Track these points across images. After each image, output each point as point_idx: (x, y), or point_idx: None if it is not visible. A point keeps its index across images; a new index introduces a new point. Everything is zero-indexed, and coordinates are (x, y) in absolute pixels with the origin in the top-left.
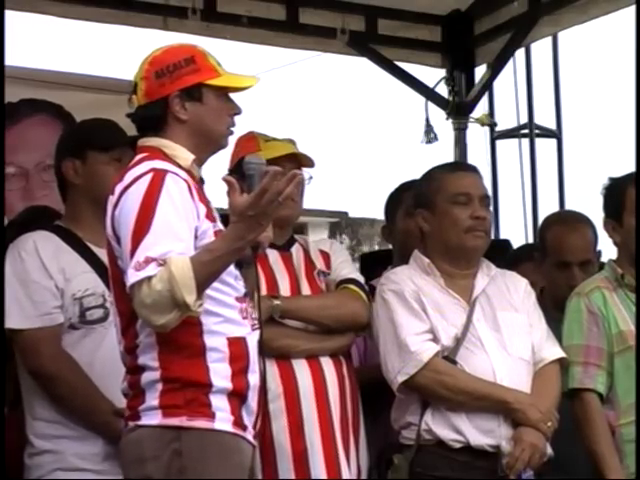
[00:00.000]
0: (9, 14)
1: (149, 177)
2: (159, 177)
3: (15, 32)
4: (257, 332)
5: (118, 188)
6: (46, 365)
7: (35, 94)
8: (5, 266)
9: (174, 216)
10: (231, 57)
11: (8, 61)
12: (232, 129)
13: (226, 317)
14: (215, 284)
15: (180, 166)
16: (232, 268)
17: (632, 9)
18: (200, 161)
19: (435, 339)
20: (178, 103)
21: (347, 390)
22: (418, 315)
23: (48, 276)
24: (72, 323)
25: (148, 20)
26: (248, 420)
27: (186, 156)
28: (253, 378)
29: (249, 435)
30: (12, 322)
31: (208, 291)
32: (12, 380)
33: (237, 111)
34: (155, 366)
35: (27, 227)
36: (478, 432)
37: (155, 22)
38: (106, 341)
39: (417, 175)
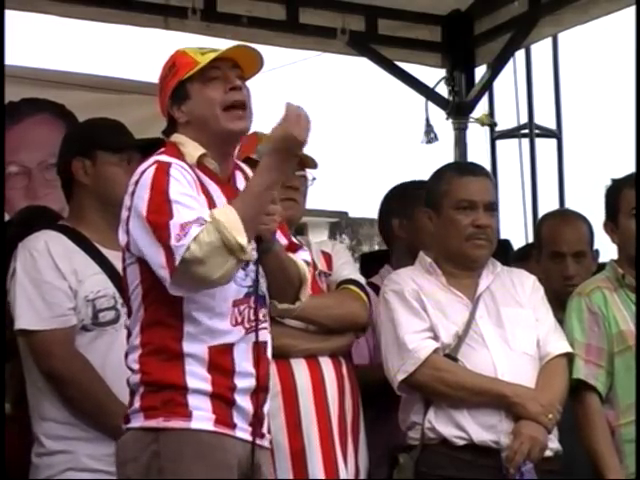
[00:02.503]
0: (10, 14)
1: (154, 167)
2: (163, 167)
3: (16, 32)
4: (253, 334)
5: (130, 184)
6: (59, 367)
7: (37, 93)
8: (16, 266)
9: (189, 200)
10: None
11: (9, 60)
12: (236, 108)
13: (208, 326)
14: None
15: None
16: None
17: (632, 9)
18: (221, 153)
19: (435, 337)
20: (176, 110)
21: (346, 390)
22: (418, 314)
23: (61, 277)
24: (84, 325)
25: (149, 20)
26: (240, 419)
27: (193, 153)
28: (243, 382)
29: (241, 433)
30: (25, 323)
31: (195, 296)
32: (16, 379)
33: (232, 84)
34: (136, 369)
35: (26, 227)
36: (480, 428)
37: (156, 22)
38: (118, 343)
39: (417, 175)
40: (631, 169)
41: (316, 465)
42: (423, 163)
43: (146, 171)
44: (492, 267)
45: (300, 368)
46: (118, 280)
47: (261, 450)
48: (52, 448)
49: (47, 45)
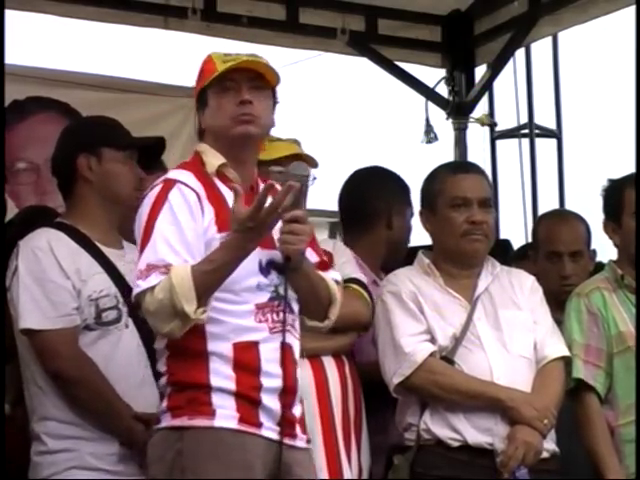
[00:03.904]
0: (10, 13)
1: (158, 188)
2: (165, 189)
3: (16, 31)
4: (279, 335)
5: (143, 196)
6: (66, 367)
7: (42, 92)
8: (17, 264)
9: (172, 231)
10: None
11: (12, 60)
12: (244, 117)
13: (233, 324)
14: (223, 294)
15: (204, 172)
16: (253, 276)
17: (632, 9)
18: (237, 160)
19: (432, 339)
20: (200, 116)
21: (349, 389)
22: (415, 316)
23: (65, 276)
24: (88, 324)
25: (149, 20)
26: (267, 419)
27: (213, 162)
28: (269, 382)
29: (269, 432)
30: (30, 322)
31: (214, 302)
32: (15, 380)
33: (241, 98)
34: (164, 371)
35: (26, 226)
36: (476, 431)
37: (156, 22)
38: (121, 343)
39: (417, 175)
40: (631, 169)
41: (319, 464)
42: (423, 163)
43: (153, 189)
44: (491, 267)
45: (304, 368)
46: (119, 279)
47: (294, 450)
48: (55, 447)
49: (47, 44)
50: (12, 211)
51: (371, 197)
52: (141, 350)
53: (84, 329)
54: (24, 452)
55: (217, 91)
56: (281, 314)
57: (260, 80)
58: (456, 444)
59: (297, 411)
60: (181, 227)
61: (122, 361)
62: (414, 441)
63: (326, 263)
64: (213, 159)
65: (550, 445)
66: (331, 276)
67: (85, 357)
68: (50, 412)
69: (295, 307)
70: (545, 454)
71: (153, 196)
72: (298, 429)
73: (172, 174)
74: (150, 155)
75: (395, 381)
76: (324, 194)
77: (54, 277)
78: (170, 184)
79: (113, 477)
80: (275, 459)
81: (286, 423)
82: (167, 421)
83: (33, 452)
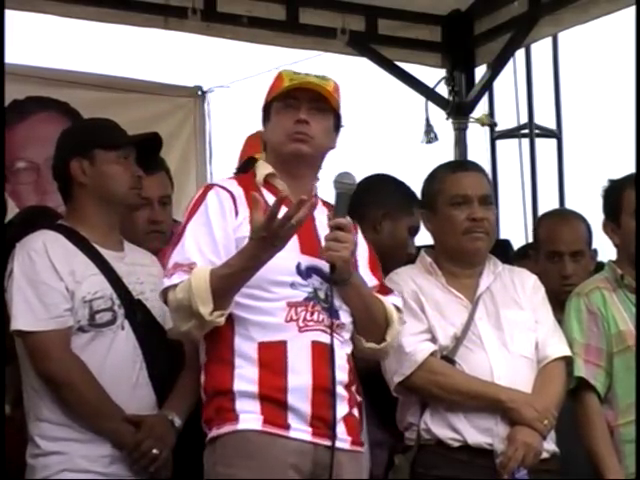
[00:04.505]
0: (10, 13)
1: (199, 192)
2: (204, 192)
3: (16, 31)
4: (309, 333)
5: None
6: (56, 370)
7: (42, 92)
8: (13, 266)
9: (202, 231)
10: (231, 57)
11: (12, 60)
12: (298, 135)
13: (260, 322)
14: (251, 290)
15: (252, 182)
16: (287, 275)
17: (632, 9)
18: (289, 175)
19: (433, 339)
20: (264, 129)
21: None
22: (416, 315)
23: (58, 278)
24: (81, 326)
25: (148, 20)
26: (297, 420)
27: (262, 171)
28: (295, 379)
29: (298, 433)
30: (22, 324)
31: (242, 299)
32: (16, 381)
33: (297, 117)
34: (203, 379)
35: (26, 227)
36: (476, 431)
37: (156, 22)
38: (115, 345)
39: (417, 175)
40: (631, 169)
41: None
42: (423, 163)
43: (196, 193)
44: (493, 267)
45: None
46: (116, 281)
47: (335, 451)
48: (47, 449)
49: (47, 44)
50: (13, 211)
51: (366, 200)
52: (137, 352)
53: (78, 330)
54: (23, 453)
55: (279, 107)
56: (316, 314)
57: (323, 102)
58: (456, 444)
59: (340, 411)
60: (211, 227)
61: (115, 363)
62: (414, 441)
63: (386, 288)
64: (262, 169)
65: (550, 445)
66: (391, 301)
67: (75, 359)
68: (43, 414)
69: (343, 317)
70: (545, 454)
71: (193, 200)
72: (340, 429)
73: (221, 179)
74: (149, 153)
75: (395, 380)
76: (325, 195)
77: (47, 279)
78: (209, 188)
79: (105, 478)
80: (312, 460)
81: (319, 423)
82: (208, 434)
83: (28, 454)
